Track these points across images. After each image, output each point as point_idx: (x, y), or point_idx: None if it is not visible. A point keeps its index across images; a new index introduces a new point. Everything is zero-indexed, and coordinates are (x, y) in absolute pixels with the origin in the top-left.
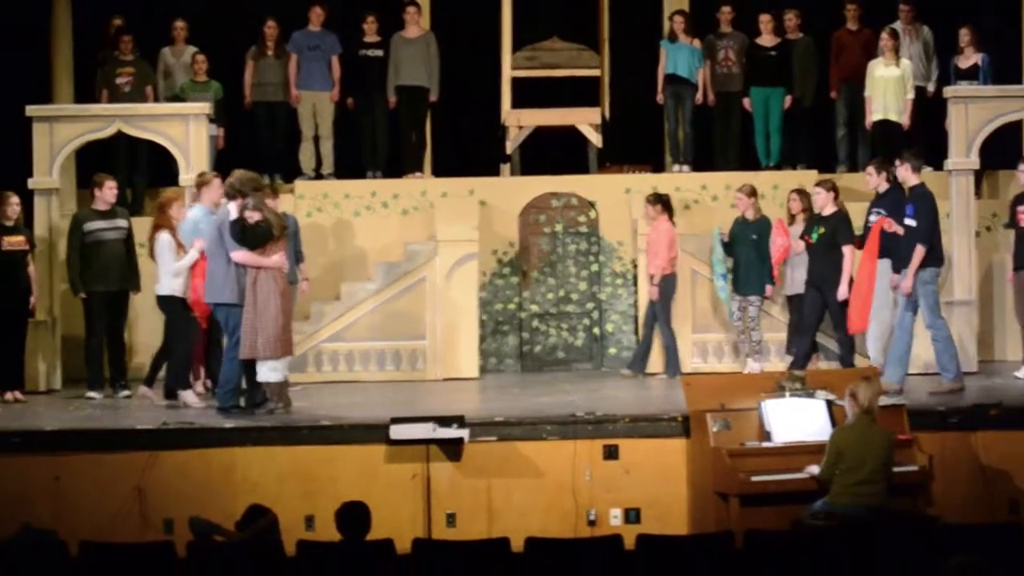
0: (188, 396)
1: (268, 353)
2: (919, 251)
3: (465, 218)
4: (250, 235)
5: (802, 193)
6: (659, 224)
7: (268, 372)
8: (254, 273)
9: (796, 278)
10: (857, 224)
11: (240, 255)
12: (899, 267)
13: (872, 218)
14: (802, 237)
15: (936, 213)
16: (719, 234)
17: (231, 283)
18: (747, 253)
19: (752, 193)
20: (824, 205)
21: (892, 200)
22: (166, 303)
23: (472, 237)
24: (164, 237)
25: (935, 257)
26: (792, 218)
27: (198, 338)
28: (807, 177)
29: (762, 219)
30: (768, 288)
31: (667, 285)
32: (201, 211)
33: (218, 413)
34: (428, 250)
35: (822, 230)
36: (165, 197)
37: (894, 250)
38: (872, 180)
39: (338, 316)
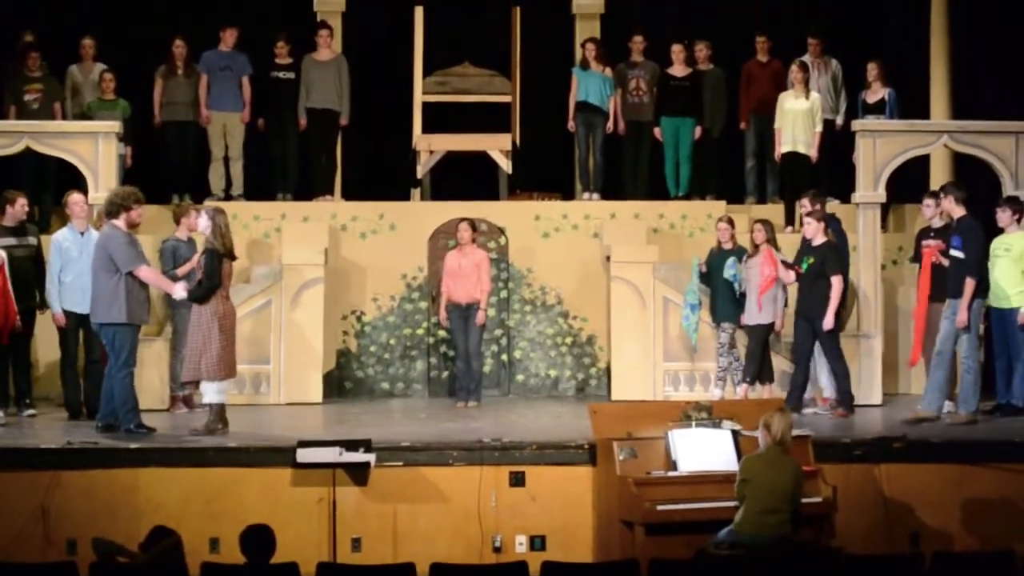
0: None
1: (211, 375)
2: (970, 283)
3: (311, 242)
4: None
5: (765, 223)
6: (476, 250)
7: (213, 394)
8: None
9: (751, 308)
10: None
11: (146, 272)
12: (939, 298)
13: None
14: (791, 266)
15: (983, 244)
16: (698, 264)
17: (119, 302)
18: (724, 281)
19: (731, 222)
20: (815, 235)
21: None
22: None
23: (318, 261)
24: None
25: (982, 289)
26: (756, 248)
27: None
28: (716, 208)
29: (738, 248)
30: (742, 317)
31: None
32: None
33: (123, 433)
34: (273, 273)
35: (811, 260)
36: None
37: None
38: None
39: None
